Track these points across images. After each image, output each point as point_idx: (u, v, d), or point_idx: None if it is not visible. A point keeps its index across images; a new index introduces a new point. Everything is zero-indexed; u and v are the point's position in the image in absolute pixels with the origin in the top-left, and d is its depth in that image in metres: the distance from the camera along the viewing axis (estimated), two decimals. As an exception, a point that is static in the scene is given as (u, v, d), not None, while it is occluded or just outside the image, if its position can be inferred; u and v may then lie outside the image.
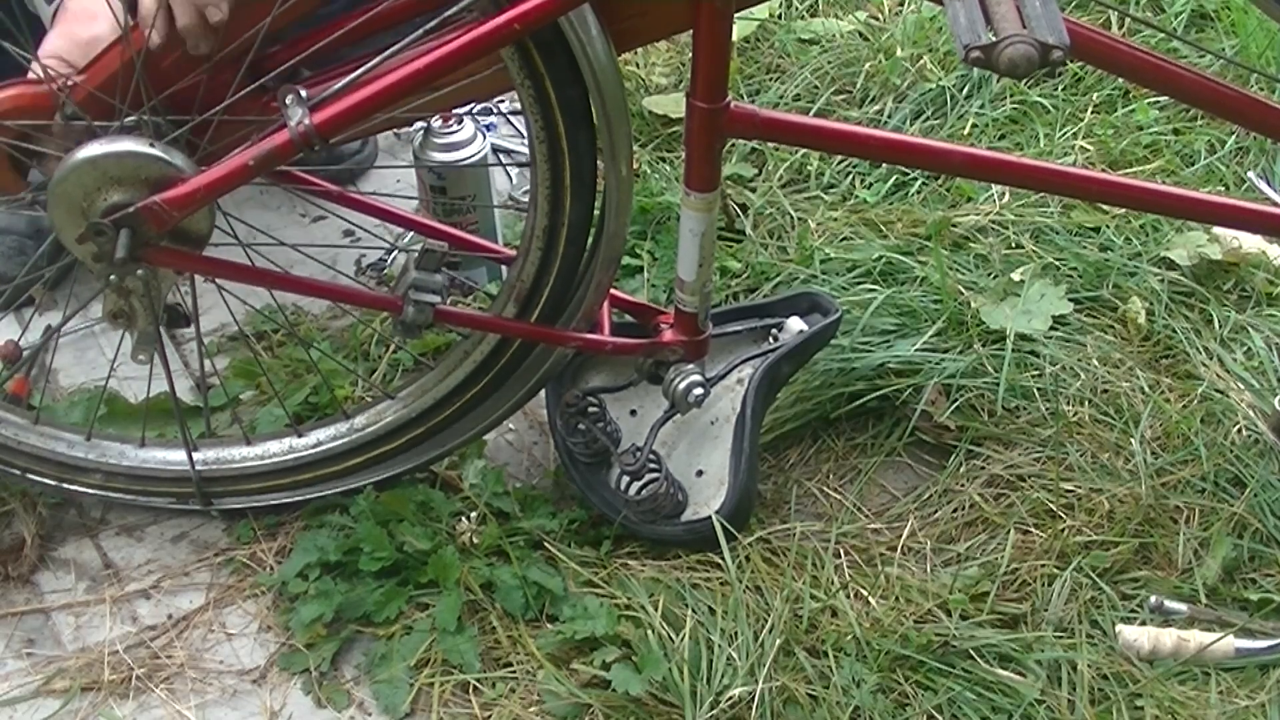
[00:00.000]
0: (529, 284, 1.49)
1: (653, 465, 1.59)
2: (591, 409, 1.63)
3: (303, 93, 1.31)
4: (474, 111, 2.06)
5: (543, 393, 1.67)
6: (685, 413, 1.59)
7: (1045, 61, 1.18)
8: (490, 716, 1.46)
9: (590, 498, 1.65)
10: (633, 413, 1.66)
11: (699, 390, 1.56)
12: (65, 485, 1.64)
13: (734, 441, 1.60)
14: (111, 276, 1.40)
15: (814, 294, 1.69)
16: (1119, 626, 1.51)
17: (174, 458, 1.64)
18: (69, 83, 1.38)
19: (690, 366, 1.57)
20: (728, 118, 1.39)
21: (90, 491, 1.65)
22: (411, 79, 1.30)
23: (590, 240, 1.48)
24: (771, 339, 1.66)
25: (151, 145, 1.36)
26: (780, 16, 2.40)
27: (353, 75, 1.31)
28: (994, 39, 1.16)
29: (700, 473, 1.63)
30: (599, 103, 1.36)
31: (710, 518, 1.58)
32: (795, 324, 1.65)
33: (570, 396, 1.62)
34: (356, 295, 1.66)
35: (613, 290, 1.56)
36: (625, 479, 1.60)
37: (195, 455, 1.63)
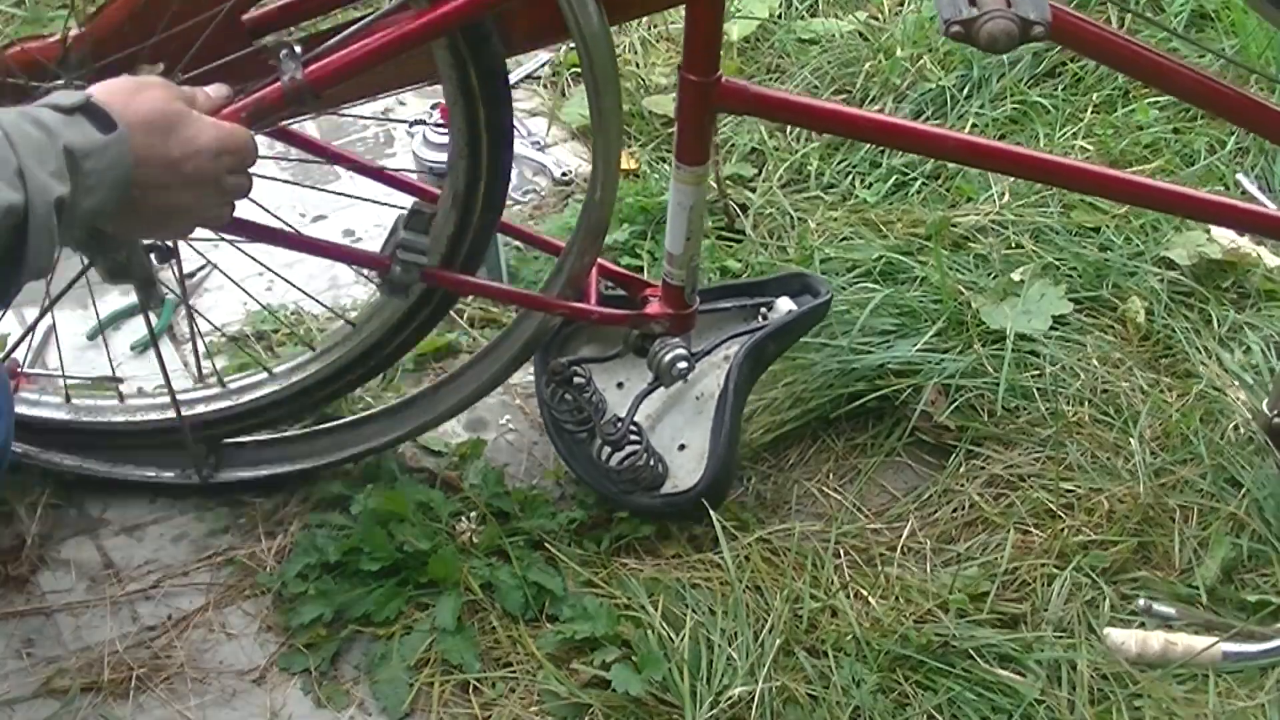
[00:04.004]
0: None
1: (634, 436, 1.60)
2: (577, 378, 1.63)
3: (297, 48, 1.32)
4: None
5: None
6: (669, 385, 1.60)
7: (1025, 37, 1.18)
8: (490, 716, 1.46)
9: (572, 466, 1.65)
10: (620, 385, 1.66)
11: (683, 364, 1.57)
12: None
13: (716, 417, 1.60)
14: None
15: (806, 275, 1.69)
16: (1107, 629, 1.51)
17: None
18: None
19: (675, 340, 1.57)
20: (719, 91, 1.39)
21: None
22: (404, 39, 1.31)
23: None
24: (761, 318, 1.66)
25: None
26: (780, 16, 2.40)
27: (346, 32, 1.32)
28: (975, 14, 1.17)
29: (683, 447, 1.64)
30: (589, 69, 1.36)
31: (687, 491, 1.59)
32: (785, 304, 1.65)
33: (556, 364, 1.62)
34: (345, 252, 1.65)
35: (601, 260, 1.56)
36: (606, 449, 1.61)
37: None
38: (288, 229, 1.55)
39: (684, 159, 1.44)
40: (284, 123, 1.50)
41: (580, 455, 1.65)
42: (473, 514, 1.61)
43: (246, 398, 1.65)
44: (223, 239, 1.53)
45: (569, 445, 1.65)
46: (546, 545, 1.60)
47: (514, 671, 1.50)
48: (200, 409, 1.65)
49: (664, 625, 1.48)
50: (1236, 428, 1.71)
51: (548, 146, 2.20)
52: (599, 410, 1.63)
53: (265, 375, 1.65)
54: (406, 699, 1.47)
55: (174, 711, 1.48)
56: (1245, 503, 1.62)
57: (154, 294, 1.43)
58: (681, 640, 1.47)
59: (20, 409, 1.62)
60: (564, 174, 2.13)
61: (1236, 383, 1.77)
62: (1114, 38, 1.40)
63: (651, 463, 1.61)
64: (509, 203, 2.08)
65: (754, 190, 2.08)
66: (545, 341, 1.62)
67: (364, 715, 1.48)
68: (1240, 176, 2.03)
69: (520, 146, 2.18)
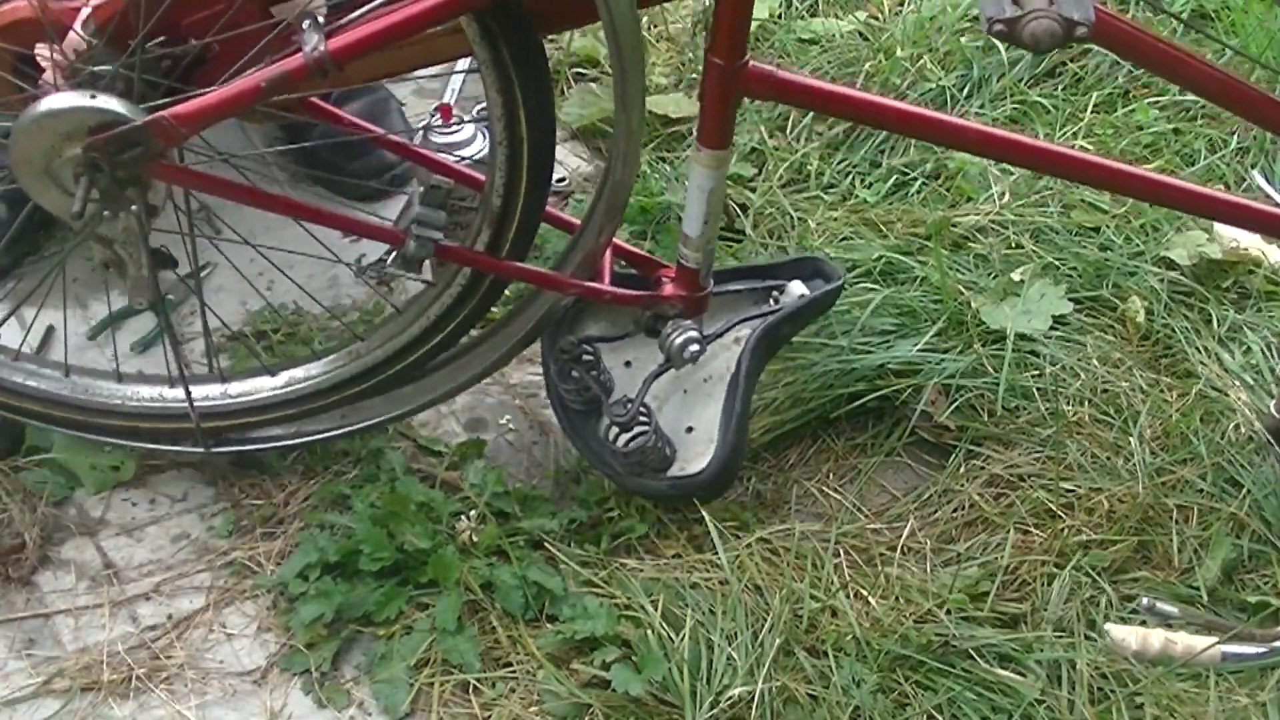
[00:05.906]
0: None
1: (642, 418, 1.59)
2: (586, 356, 1.63)
3: (320, 18, 1.31)
4: (477, 114, 2.06)
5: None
6: (680, 368, 1.59)
7: (1069, 37, 1.18)
8: (490, 716, 1.46)
9: (577, 445, 1.65)
10: (628, 364, 1.66)
11: (694, 346, 1.56)
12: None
13: (726, 401, 1.59)
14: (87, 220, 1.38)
15: (818, 260, 1.69)
16: (1107, 625, 1.51)
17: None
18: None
19: (688, 322, 1.57)
20: (745, 76, 1.38)
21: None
22: (429, 13, 1.30)
23: (596, 192, 1.48)
24: (772, 301, 1.66)
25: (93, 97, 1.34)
26: (780, 16, 2.40)
27: (370, 5, 1.31)
28: (1019, 12, 1.17)
29: (690, 429, 1.63)
30: (616, 51, 1.34)
31: (695, 475, 1.58)
32: (797, 288, 1.65)
33: (565, 342, 1.62)
34: (356, 223, 1.61)
35: (616, 240, 1.55)
36: (614, 430, 1.60)
37: (168, 392, 1.64)
38: (297, 200, 1.55)
39: (705, 142, 1.43)
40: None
41: (585, 434, 1.64)
42: (473, 514, 1.61)
43: (245, 399, 1.65)
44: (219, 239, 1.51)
45: (575, 425, 1.64)
46: (546, 545, 1.60)
47: (514, 671, 1.50)
48: (200, 404, 1.64)
49: (664, 625, 1.48)
50: (1237, 427, 1.71)
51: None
52: (607, 390, 1.62)
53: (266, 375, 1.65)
54: (407, 699, 1.48)
55: (174, 711, 1.48)
56: (1245, 503, 1.62)
57: (142, 294, 1.43)
58: (681, 640, 1.47)
59: (17, 378, 1.63)
60: (560, 179, 2.11)
61: (1237, 383, 1.77)
62: (1154, 41, 1.38)
63: (659, 445, 1.59)
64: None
65: (754, 190, 2.08)
66: (556, 320, 1.61)
67: (364, 715, 1.48)
68: (1255, 174, 2.03)
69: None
